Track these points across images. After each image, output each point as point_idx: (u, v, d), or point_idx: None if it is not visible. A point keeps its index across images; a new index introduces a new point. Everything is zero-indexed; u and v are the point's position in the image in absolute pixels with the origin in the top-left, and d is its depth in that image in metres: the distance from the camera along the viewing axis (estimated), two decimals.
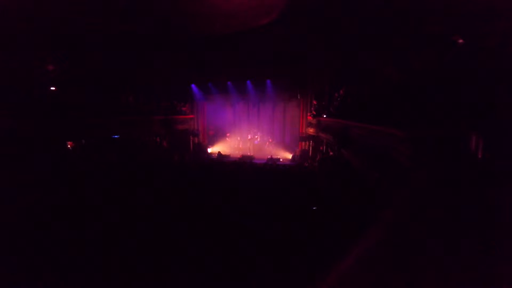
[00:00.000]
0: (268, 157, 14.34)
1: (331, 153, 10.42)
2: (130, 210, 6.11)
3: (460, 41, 4.90)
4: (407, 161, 4.08)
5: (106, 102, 11.37)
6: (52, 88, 10.04)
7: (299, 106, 15.58)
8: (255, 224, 5.34)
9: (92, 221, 5.44)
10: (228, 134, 17.78)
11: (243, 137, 17.05)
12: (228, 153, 15.91)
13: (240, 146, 16.92)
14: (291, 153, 15.34)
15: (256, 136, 17.07)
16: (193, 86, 16.14)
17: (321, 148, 12.60)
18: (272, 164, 12.96)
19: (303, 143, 14.95)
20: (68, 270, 3.92)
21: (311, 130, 13.41)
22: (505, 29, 4.32)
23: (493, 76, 3.80)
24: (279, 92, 15.67)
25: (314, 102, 13.51)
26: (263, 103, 17.04)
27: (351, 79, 9.83)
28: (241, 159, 14.31)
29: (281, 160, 14.56)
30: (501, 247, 1.88)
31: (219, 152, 15.64)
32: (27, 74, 8.42)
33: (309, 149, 14.42)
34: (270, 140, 17.00)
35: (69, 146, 9.83)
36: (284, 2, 7.56)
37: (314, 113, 13.07)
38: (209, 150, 16.85)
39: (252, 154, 15.31)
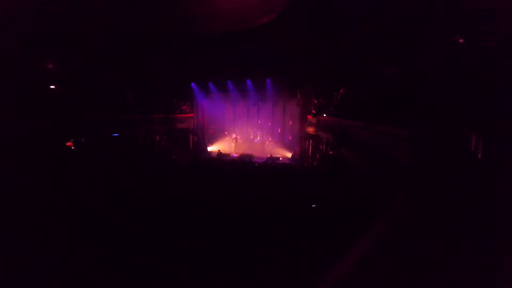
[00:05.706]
0: (268, 156, 14.34)
1: (330, 152, 10.41)
2: (130, 210, 6.10)
3: (461, 40, 4.90)
4: (408, 160, 4.09)
5: (106, 100, 11.36)
6: (52, 87, 10.02)
7: (299, 105, 15.58)
8: (254, 223, 5.34)
9: (91, 221, 5.43)
10: (227, 133, 17.78)
11: (243, 136, 17.04)
12: (228, 152, 15.92)
13: (240, 145, 16.94)
14: (290, 152, 15.35)
15: (256, 135, 17.06)
16: (193, 85, 16.11)
17: (321, 147, 12.59)
18: (272, 163, 12.96)
19: (303, 142, 14.96)
20: (67, 270, 3.92)
21: (311, 129, 13.40)
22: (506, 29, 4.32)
23: (492, 75, 3.80)
24: (279, 91, 15.67)
25: (315, 101, 13.51)
26: (263, 102, 17.04)
27: (351, 79, 9.83)
28: (241, 158, 14.32)
29: (280, 159, 14.57)
30: (502, 246, 1.89)
31: (218, 150, 15.65)
32: (27, 74, 8.40)
33: (309, 148, 14.42)
34: (270, 139, 17.00)
35: (68, 144, 9.81)
36: (284, 2, 7.55)
37: (314, 112, 13.05)
38: (209, 148, 16.85)
39: (252, 153, 15.33)
